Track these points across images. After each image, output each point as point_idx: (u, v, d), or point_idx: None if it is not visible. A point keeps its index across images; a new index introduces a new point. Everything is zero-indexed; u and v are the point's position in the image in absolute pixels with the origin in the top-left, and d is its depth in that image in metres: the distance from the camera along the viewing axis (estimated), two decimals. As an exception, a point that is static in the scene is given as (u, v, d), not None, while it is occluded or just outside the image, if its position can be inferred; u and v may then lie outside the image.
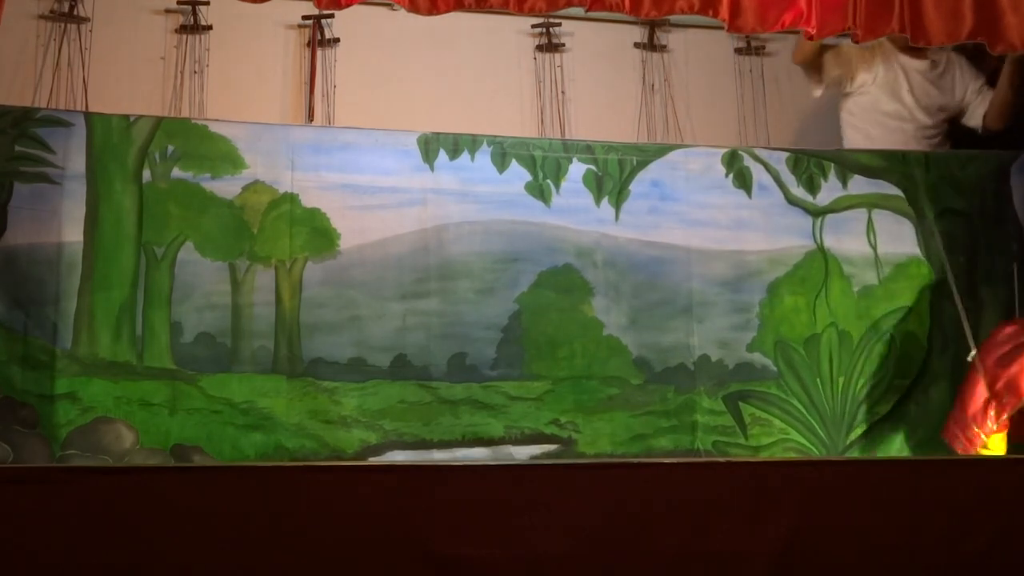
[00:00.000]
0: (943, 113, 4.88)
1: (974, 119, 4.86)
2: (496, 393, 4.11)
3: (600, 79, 5.27)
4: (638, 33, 5.34)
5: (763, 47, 5.44)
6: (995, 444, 3.92)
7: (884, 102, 4.82)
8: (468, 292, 4.18)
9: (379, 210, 4.02)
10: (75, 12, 4.78)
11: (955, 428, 4.03)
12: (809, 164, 4.55)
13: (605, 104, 5.18)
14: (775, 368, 4.36)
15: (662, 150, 4.52)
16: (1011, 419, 3.91)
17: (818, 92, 4.94)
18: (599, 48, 5.29)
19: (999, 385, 3.92)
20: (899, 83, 4.83)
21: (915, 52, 4.78)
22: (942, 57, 4.86)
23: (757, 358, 4.36)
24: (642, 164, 4.43)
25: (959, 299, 4.39)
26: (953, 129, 4.92)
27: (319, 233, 4.13)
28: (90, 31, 4.78)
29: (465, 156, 4.30)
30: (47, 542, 2.80)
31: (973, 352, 4.16)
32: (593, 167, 4.39)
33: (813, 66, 4.89)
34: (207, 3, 4.90)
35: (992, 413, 3.96)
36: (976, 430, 3.92)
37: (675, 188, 4.43)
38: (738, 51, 5.44)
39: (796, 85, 5.40)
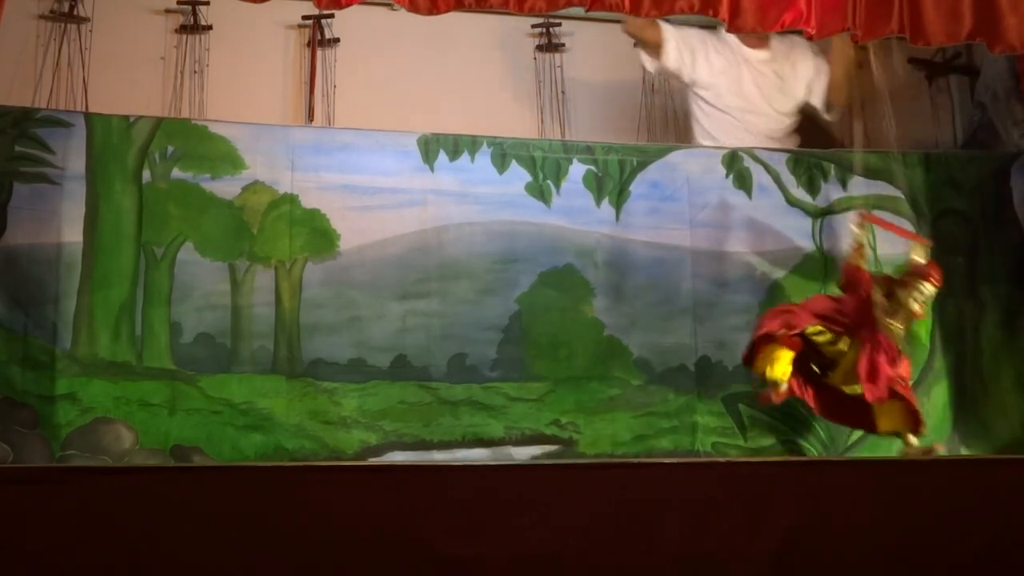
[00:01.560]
0: (790, 102, 4.80)
1: (816, 98, 4.81)
2: (496, 394, 4.11)
3: (600, 79, 5.26)
4: (638, 33, 5.34)
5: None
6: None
7: (726, 96, 4.73)
8: (468, 292, 4.18)
9: (379, 211, 4.02)
10: (75, 12, 4.78)
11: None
12: (809, 165, 4.55)
13: (605, 104, 5.18)
14: (775, 368, 4.35)
15: (662, 151, 4.52)
16: (814, 392, 4.03)
17: (651, 67, 4.81)
18: (599, 48, 5.29)
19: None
20: (742, 76, 4.74)
21: (755, 42, 4.71)
22: (783, 43, 4.77)
23: (757, 359, 4.35)
24: (642, 165, 4.43)
25: None
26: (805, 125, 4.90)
27: (319, 234, 4.13)
28: (90, 31, 4.77)
29: (465, 157, 4.30)
30: (47, 542, 2.80)
31: None
32: (593, 168, 4.39)
33: (645, 40, 4.74)
34: (207, 3, 4.90)
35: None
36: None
37: (675, 189, 4.43)
38: (737, 50, 5.44)
39: (796, 86, 5.40)
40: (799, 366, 3.95)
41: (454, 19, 4.22)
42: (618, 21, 4.72)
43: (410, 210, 4.14)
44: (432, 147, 4.29)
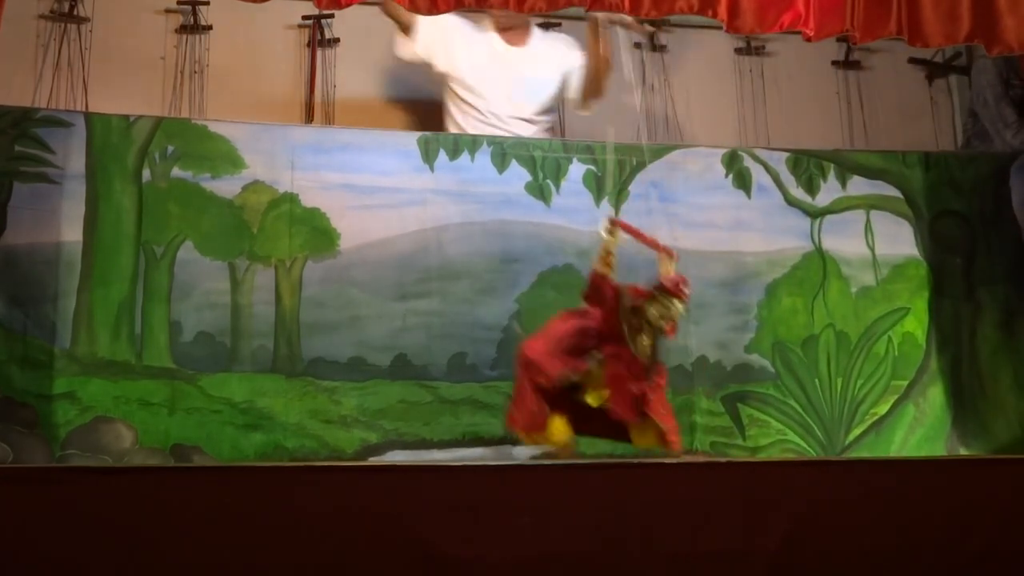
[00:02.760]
0: (542, 103, 4.69)
1: (573, 92, 4.72)
2: (497, 393, 4.10)
3: (600, 79, 5.26)
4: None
5: (763, 47, 5.45)
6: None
7: (478, 93, 4.63)
8: (468, 292, 4.18)
9: (379, 210, 4.02)
10: (75, 12, 4.78)
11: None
12: (809, 165, 4.55)
13: (605, 104, 5.18)
14: (773, 369, 4.36)
15: (662, 150, 4.52)
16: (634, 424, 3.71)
17: (402, 53, 4.63)
18: (599, 48, 5.29)
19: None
20: (498, 74, 4.63)
21: (515, 37, 4.63)
22: (544, 39, 4.68)
23: (755, 359, 4.36)
24: (642, 165, 4.43)
25: None
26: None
27: (319, 233, 4.13)
28: (90, 31, 4.78)
29: (465, 156, 4.30)
30: (47, 542, 2.80)
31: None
32: (593, 167, 4.39)
33: (400, 21, 4.54)
34: (207, 3, 4.90)
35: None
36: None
37: (674, 189, 4.44)
38: (738, 51, 5.46)
39: (796, 85, 5.42)
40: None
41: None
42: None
43: (410, 209, 4.14)
44: (432, 147, 4.29)
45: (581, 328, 3.68)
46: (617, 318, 3.60)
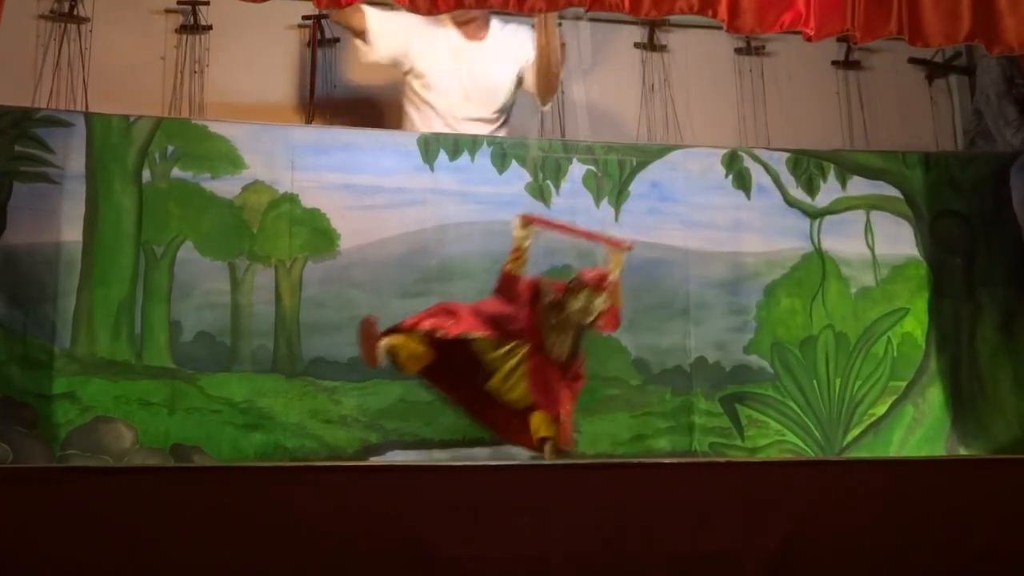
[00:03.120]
0: (498, 101, 4.61)
1: (531, 86, 4.63)
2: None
3: (600, 79, 5.27)
4: (638, 33, 5.35)
5: (763, 47, 5.45)
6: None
7: (437, 91, 4.57)
8: (468, 292, 4.16)
9: (379, 210, 4.02)
10: (75, 12, 4.78)
11: None
12: (808, 165, 4.55)
13: (605, 104, 5.19)
14: (772, 370, 4.36)
15: (662, 151, 4.52)
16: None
17: (365, 57, 4.57)
18: (599, 48, 5.30)
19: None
20: (457, 69, 4.58)
21: (473, 31, 4.56)
22: (504, 29, 4.59)
23: (754, 360, 4.36)
24: (642, 165, 4.43)
25: None
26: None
27: (319, 233, 4.12)
28: (90, 31, 4.78)
29: (465, 157, 4.29)
30: (47, 542, 2.80)
31: None
32: (593, 168, 4.39)
33: (352, 28, 4.49)
34: (207, 3, 4.90)
35: None
36: None
37: (674, 189, 4.43)
38: (738, 51, 5.46)
39: (796, 85, 5.42)
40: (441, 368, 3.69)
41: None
42: (618, 21, 4.73)
43: (410, 210, 4.14)
44: (432, 147, 4.29)
45: (509, 314, 3.63)
46: (538, 315, 3.55)
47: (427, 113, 4.56)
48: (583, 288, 3.53)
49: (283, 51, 4.94)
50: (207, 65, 4.84)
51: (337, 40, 4.96)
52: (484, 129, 4.57)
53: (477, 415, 3.83)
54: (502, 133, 4.63)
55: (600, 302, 3.55)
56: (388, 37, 4.50)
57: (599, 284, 3.55)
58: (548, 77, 4.57)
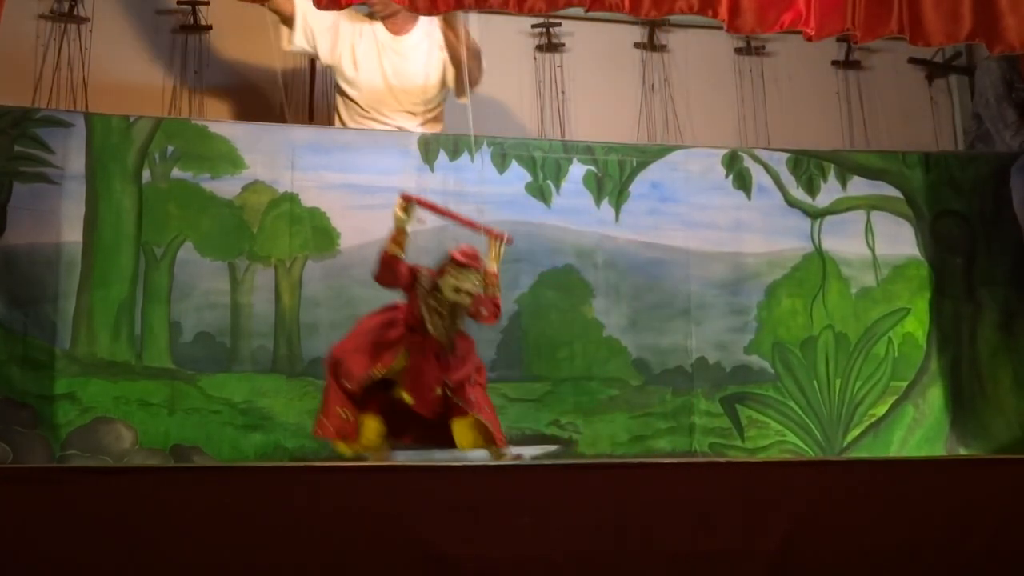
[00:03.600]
0: (423, 95, 4.55)
1: (451, 82, 4.55)
2: (495, 395, 4.08)
3: (600, 79, 5.27)
4: (638, 33, 5.35)
5: (763, 47, 5.45)
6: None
7: (354, 85, 4.52)
8: (468, 293, 4.17)
9: (379, 210, 3.99)
10: (75, 12, 4.78)
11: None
12: (809, 165, 4.55)
13: (605, 104, 5.19)
14: (772, 370, 4.36)
15: (662, 151, 4.52)
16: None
17: (285, 45, 4.49)
18: (599, 48, 5.30)
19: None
20: (382, 67, 4.51)
21: (397, 27, 4.51)
22: (431, 23, 4.51)
23: (755, 360, 4.36)
24: (642, 165, 4.43)
25: None
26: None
27: (319, 232, 4.13)
28: (90, 31, 4.78)
29: (465, 157, 4.30)
30: (47, 542, 2.80)
31: None
32: (593, 168, 4.39)
33: (279, 11, 4.40)
34: (207, 3, 4.90)
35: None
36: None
37: (675, 189, 4.44)
38: (738, 51, 5.46)
39: (796, 85, 5.42)
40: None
41: (454, 19, 4.23)
42: (618, 21, 4.72)
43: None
44: (432, 147, 4.29)
45: (387, 320, 3.54)
46: (418, 303, 3.47)
47: (353, 109, 4.53)
48: (454, 266, 3.46)
49: (283, 51, 4.91)
50: (206, 65, 4.84)
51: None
52: (412, 121, 4.51)
53: (404, 436, 3.68)
54: (436, 128, 4.57)
55: (474, 280, 3.47)
56: (314, 26, 4.43)
57: (470, 263, 3.46)
58: (460, 71, 4.43)
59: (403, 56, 4.55)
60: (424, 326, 3.46)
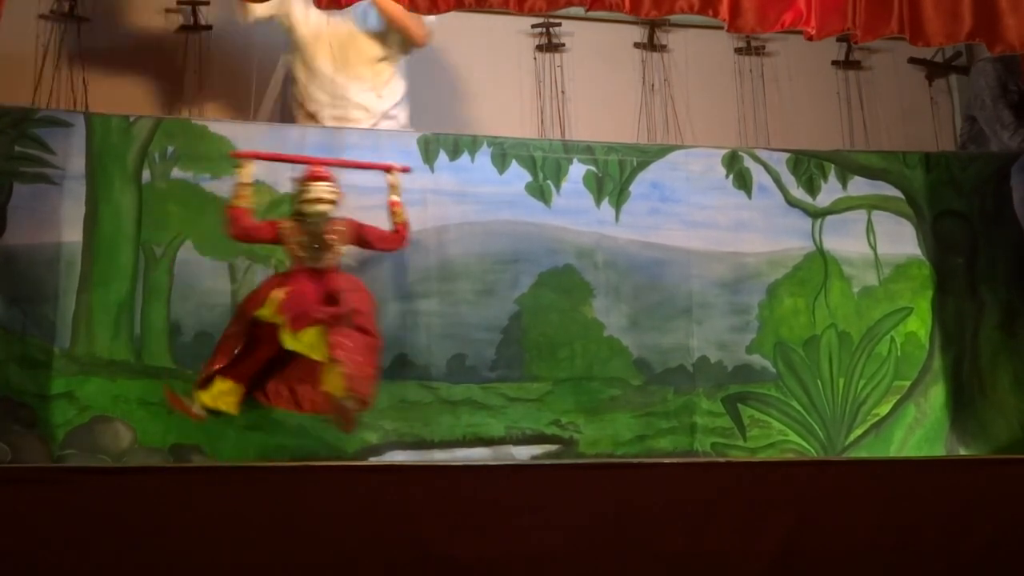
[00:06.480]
0: (377, 55, 4.51)
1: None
2: (495, 395, 4.11)
3: (600, 79, 5.28)
4: (638, 33, 5.35)
5: (763, 47, 5.46)
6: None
7: (319, 61, 4.49)
8: (468, 293, 4.17)
9: (379, 210, 4.01)
10: (75, 12, 4.78)
11: None
12: (809, 165, 4.54)
13: (605, 104, 5.19)
14: (774, 370, 4.36)
15: (662, 151, 4.52)
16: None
17: (243, 16, 4.45)
18: (599, 48, 5.30)
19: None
20: (322, 34, 4.47)
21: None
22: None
23: (756, 360, 4.36)
24: (642, 165, 4.43)
25: None
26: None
27: (318, 233, 4.12)
28: (90, 31, 4.78)
29: (465, 157, 4.29)
30: (46, 542, 2.80)
31: None
32: (593, 168, 4.38)
33: None
34: (207, 3, 4.90)
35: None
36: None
37: (675, 189, 4.43)
38: (738, 51, 5.46)
39: (796, 85, 5.42)
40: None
41: (453, 19, 4.22)
42: (618, 21, 4.72)
43: (410, 210, 4.13)
44: (432, 147, 4.29)
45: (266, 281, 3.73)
46: (289, 247, 3.67)
47: (305, 101, 4.50)
48: (306, 183, 3.70)
49: (283, 51, 4.92)
50: (208, 65, 4.84)
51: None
52: (375, 102, 4.49)
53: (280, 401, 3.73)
54: (400, 83, 4.56)
55: (328, 190, 3.69)
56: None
57: (320, 174, 3.70)
58: (402, 26, 4.45)
59: (354, 25, 4.51)
60: (303, 264, 3.64)
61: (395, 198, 3.85)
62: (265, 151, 3.82)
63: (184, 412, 3.64)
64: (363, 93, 4.51)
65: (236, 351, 3.58)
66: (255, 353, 3.63)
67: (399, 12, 4.32)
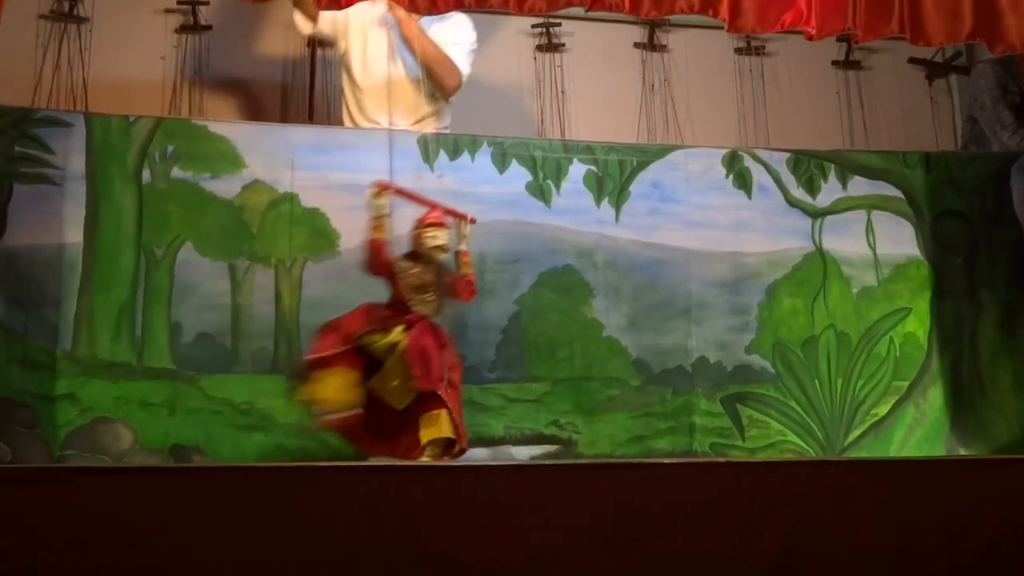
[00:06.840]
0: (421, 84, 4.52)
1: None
2: (494, 395, 4.10)
3: (600, 79, 5.28)
4: (638, 33, 5.36)
5: (763, 47, 5.46)
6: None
7: (374, 73, 4.51)
8: (468, 293, 4.17)
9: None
10: (75, 12, 4.79)
11: None
12: (809, 165, 4.54)
13: (605, 104, 5.19)
14: (773, 370, 4.36)
15: (662, 151, 4.51)
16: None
17: (304, 28, 4.52)
18: (599, 48, 5.30)
19: None
20: (391, 45, 4.47)
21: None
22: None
23: (755, 360, 4.36)
24: (642, 165, 4.43)
25: None
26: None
27: (319, 233, 4.12)
28: (90, 31, 4.78)
29: (465, 156, 4.29)
30: (46, 542, 2.79)
31: None
32: (593, 168, 4.39)
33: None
34: (207, 3, 4.90)
35: None
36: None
37: (675, 189, 4.43)
38: (738, 51, 5.46)
39: (796, 85, 5.43)
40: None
41: (454, 19, 4.23)
42: (618, 21, 4.72)
43: (410, 210, 4.13)
44: (432, 147, 4.29)
45: (369, 308, 3.65)
46: (399, 285, 3.61)
47: (355, 112, 4.53)
48: (425, 227, 3.66)
49: (283, 51, 4.93)
50: (207, 65, 4.85)
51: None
52: (410, 117, 4.51)
53: (370, 445, 3.68)
54: (443, 122, 4.57)
55: (445, 237, 3.64)
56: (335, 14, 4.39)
57: (440, 221, 3.67)
58: (431, 72, 4.48)
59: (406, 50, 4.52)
60: (410, 307, 3.58)
61: (464, 247, 3.74)
62: (406, 189, 3.78)
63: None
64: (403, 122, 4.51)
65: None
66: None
67: (432, 55, 4.39)
